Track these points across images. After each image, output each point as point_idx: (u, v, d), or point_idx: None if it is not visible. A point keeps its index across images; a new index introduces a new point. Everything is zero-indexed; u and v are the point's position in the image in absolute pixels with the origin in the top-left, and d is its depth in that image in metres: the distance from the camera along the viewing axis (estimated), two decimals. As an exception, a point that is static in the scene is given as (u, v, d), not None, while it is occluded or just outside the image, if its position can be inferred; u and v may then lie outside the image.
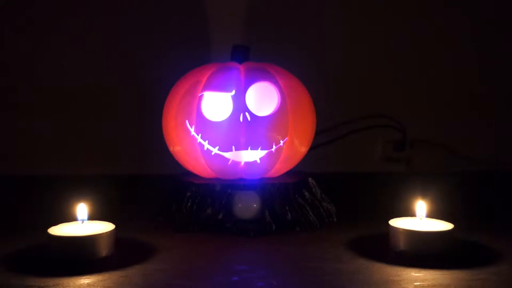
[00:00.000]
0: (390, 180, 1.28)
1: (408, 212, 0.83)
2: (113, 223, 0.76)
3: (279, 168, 0.92)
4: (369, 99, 1.37)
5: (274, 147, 0.88)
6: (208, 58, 1.28)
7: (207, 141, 0.87)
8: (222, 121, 0.87)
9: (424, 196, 0.81)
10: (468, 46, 1.39)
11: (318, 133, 0.98)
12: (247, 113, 0.87)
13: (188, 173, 0.96)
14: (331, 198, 0.95)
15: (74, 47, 1.33)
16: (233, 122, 0.87)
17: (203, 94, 0.88)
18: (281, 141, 0.89)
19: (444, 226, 0.75)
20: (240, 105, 0.87)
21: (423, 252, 0.72)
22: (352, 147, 1.35)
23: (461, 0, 1.37)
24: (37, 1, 1.32)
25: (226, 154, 0.88)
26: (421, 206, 0.79)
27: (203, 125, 0.87)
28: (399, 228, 0.74)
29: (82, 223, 0.76)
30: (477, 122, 1.38)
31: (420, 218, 0.78)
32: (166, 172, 1.03)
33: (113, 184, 1.19)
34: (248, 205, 0.87)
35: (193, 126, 0.88)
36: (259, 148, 0.88)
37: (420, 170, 1.35)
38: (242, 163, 0.88)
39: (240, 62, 0.94)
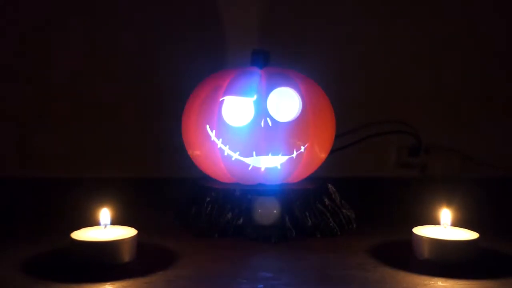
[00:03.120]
0: (407, 186, 1.28)
1: (426, 218, 0.82)
2: (135, 227, 0.76)
3: (299, 173, 0.92)
4: (385, 104, 1.37)
5: (295, 152, 0.88)
6: (226, 62, 1.27)
7: (227, 146, 0.87)
8: (243, 126, 0.87)
9: (448, 203, 0.80)
10: (483, 50, 1.38)
11: (334, 137, 0.97)
12: (268, 119, 0.87)
13: (208, 177, 0.96)
14: (348, 203, 0.95)
15: (91, 50, 1.32)
16: (254, 127, 0.87)
17: (224, 99, 0.87)
18: (302, 147, 0.88)
19: (469, 235, 0.75)
20: (261, 110, 0.87)
21: (449, 261, 0.72)
22: (368, 152, 1.34)
23: (476, 5, 1.37)
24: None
25: (247, 160, 0.87)
26: (445, 214, 0.78)
27: (224, 130, 0.87)
28: (424, 237, 0.74)
29: (105, 227, 0.76)
30: (493, 127, 1.37)
31: (445, 227, 0.77)
32: (186, 176, 1.02)
33: (134, 188, 1.18)
34: (268, 211, 0.86)
35: (214, 131, 0.87)
36: (280, 154, 0.87)
37: (435, 175, 1.34)
38: (263, 169, 0.88)
39: (261, 67, 0.94)
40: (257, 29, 1.30)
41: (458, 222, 0.79)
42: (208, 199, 0.89)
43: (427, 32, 1.37)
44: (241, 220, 0.87)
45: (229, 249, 0.81)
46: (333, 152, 1.00)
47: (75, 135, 1.33)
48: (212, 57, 1.28)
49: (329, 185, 0.93)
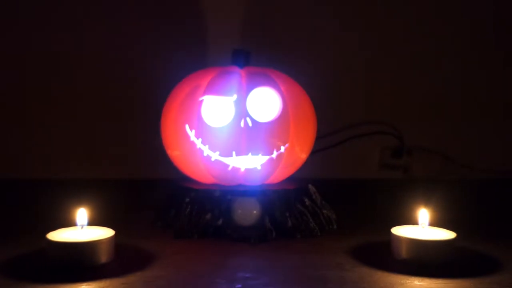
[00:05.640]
0: (389, 187, 1.28)
1: (407, 219, 0.82)
2: (113, 228, 0.75)
3: (279, 174, 0.92)
4: (367, 105, 1.37)
5: (275, 153, 0.88)
6: (207, 61, 1.27)
7: (207, 146, 0.87)
8: (223, 126, 0.87)
9: (426, 204, 0.80)
10: (466, 51, 1.39)
11: (316, 138, 0.97)
12: (248, 119, 0.86)
13: (187, 178, 0.95)
14: (329, 204, 0.95)
15: (74, 50, 1.31)
16: (234, 127, 0.86)
17: (203, 99, 0.87)
18: (282, 147, 0.88)
19: (447, 234, 0.75)
20: (241, 110, 0.87)
21: (426, 260, 0.72)
22: (350, 154, 1.35)
23: (457, 5, 1.38)
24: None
25: (227, 160, 0.87)
26: (423, 214, 0.78)
27: (204, 130, 0.87)
28: (401, 237, 0.74)
29: (82, 228, 0.75)
30: (474, 129, 1.39)
31: (423, 227, 0.78)
32: (165, 176, 1.02)
33: (112, 189, 1.18)
34: (248, 212, 0.86)
35: (193, 131, 0.87)
36: (260, 154, 0.87)
37: (418, 177, 1.35)
38: (243, 169, 0.88)
39: (241, 66, 0.94)
40: (238, 28, 1.30)
41: (436, 222, 0.79)
42: (188, 199, 0.88)
43: (410, 35, 1.38)
44: (220, 221, 0.86)
45: (208, 250, 0.81)
46: (315, 152, 1.00)
47: (51, 136, 1.32)
48: (193, 56, 1.28)
49: (310, 186, 0.93)
